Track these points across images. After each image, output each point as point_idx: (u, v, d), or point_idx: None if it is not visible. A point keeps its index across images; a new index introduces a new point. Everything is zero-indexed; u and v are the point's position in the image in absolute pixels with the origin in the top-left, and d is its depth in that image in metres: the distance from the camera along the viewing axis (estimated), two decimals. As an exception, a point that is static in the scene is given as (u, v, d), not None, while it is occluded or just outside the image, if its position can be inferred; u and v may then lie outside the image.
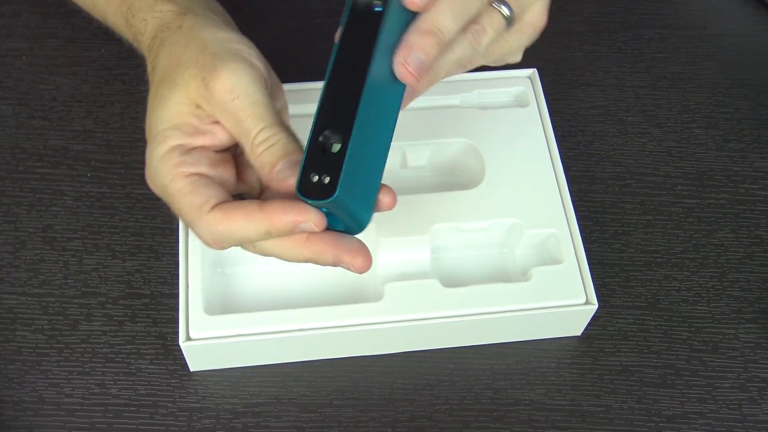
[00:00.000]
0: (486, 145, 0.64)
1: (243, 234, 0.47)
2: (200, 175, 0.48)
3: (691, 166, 0.70)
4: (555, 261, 0.60)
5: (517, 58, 0.54)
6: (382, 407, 0.58)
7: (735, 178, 0.69)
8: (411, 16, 0.46)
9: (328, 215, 0.46)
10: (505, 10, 0.48)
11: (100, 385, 0.58)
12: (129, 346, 0.59)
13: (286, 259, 0.48)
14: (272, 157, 0.46)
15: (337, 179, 0.44)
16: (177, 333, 0.58)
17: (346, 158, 0.44)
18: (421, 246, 0.60)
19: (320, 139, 0.45)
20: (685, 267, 0.65)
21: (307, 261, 0.48)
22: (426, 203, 0.61)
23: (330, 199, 0.44)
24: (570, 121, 0.71)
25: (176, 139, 0.48)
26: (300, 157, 0.46)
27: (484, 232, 0.62)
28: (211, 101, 0.47)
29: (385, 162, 0.48)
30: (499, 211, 0.61)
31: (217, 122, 0.49)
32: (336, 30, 0.46)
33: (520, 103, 0.67)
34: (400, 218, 0.60)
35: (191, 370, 0.59)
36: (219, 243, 0.48)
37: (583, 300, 0.59)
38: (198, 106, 0.48)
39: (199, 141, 0.49)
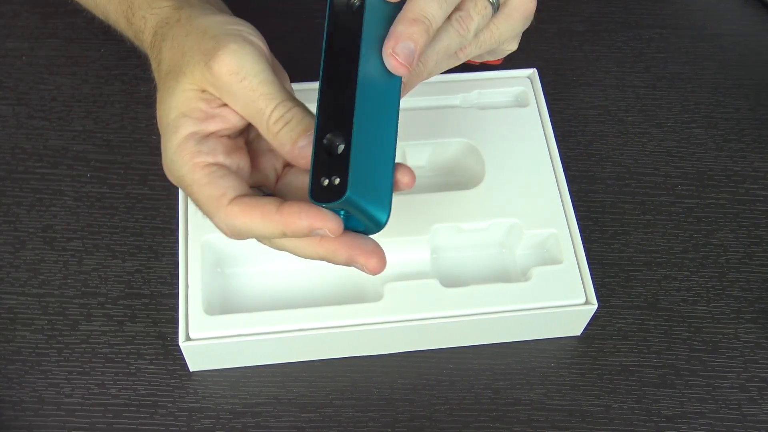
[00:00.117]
0: (486, 145, 0.64)
1: (259, 231, 0.47)
2: (217, 165, 0.48)
3: (691, 166, 0.70)
4: (555, 261, 0.60)
5: (513, 46, 0.54)
6: (382, 407, 0.58)
7: (735, 178, 0.69)
8: (394, 9, 0.46)
9: (346, 217, 0.46)
10: None
11: (100, 385, 0.58)
12: (129, 346, 0.59)
13: (299, 256, 0.48)
14: (292, 133, 0.46)
15: (346, 179, 0.44)
16: (177, 333, 0.58)
17: (351, 157, 0.44)
18: (420, 246, 0.60)
19: (324, 142, 0.45)
20: (684, 267, 0.65)
21: (320, 259, 0.48)
22: (426, 203, 0.61)
23: (341, 200, 0.44)
24: (570, 121, 0.71)
25: (188, 127, 0.48)
26: None
27: (484, 232, 0.62)
28: (217, 85, 0.47)
29: (394, 159, 0.47)
30: (498, 211, 0.61)
31: (225, 105, 0.48)
32: (323, 33, 0.46)
33: (520, 103, 0.67)
34: (400, 218, 0.60)
35: (191, 370, 0.59)
36: (236, 235, 0.48)
37: (583, 300, 0.59)
38: (204, 91, 0.48)
39: (211, 126, 0.48)
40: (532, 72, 0.67)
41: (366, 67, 0.45)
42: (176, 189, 0.61)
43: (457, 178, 0.65)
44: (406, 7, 0.45)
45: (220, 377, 0.59)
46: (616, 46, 0.76)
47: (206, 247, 0.58)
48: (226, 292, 0.60)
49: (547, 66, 0.73)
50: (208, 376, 0.59)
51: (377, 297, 0.58)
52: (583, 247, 0.60)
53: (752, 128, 0.72)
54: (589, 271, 0.59)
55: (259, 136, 0.52)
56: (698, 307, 0.64)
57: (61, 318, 0.60)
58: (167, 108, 0.49)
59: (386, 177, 0.47)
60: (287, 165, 0.52)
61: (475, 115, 0.65)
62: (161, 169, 0.50)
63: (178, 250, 0.59)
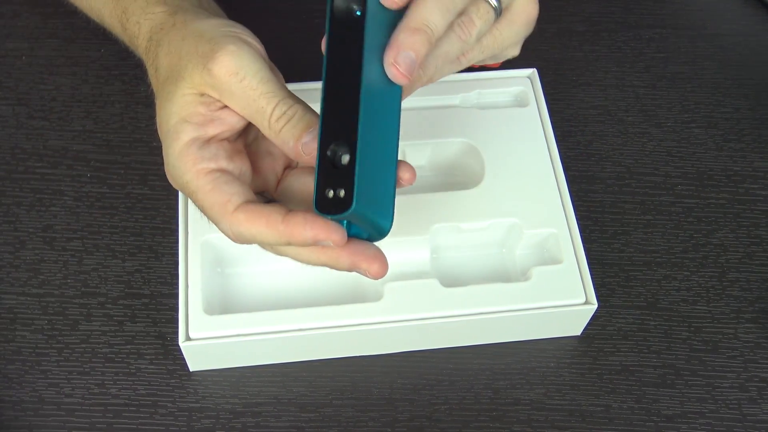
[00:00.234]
0: (486, 145, 0.64)
1: (264, 239, 0.47)
2: (221, 170, 0.48)
3: (690, 166, 0.70)
4: (555, 261, 0.60)
5: (515, 51, 0.53)
6: (382, 407, 0.58)
7: (735, 177, 0.69)
8: (395, 16, 0.45)
9: (349, 225, 0.46)
10: (492, 0, 0.48)
11: (100, 385, 0.58)
12: (129, 346, 0.59)
13: (302, 262, 0.48)
14: (294, 130, 0.47)
15: (351, 192, 0.44)
16: (177, 333, 0.58)
17: (357, 169, 0.44)
18: (420, 246, 0.60)
19: (328, 153, 0.45)
20: (684, 267, 0.65)
21: (323, 265, 0.48)
22: (426, 203, 0.61)
23: (348, 212, 0.44)
24: (570, 120, 0.71)
25: (189, 133, 0.48)
26: None
27: (484, 232, 0.62)
28: (217, 87, 0.47)
29: (396, 165, 0.48)
30: (498, 210, 0.61)
31: (224, 107, 0.49)
32: (323, 39, 0.46)
33: (520, 102, 0.67)
34: (399, 218, 0.60)
35: (191, 370, 0.59)
36: (241, 241, 0.48)
37: (583, 300, 0.59)
38: (203, 94, 0.48)
39: (211, 130, 0.48)
40: (531, 72, 0.67)
41: (368, 76, 0.44)
42: (176, 189, 0.61)
43: (457, 178, 0.65)
44: (407, 14, 0.45)
45: (220, 377, 0.59)
46: (615, 46, 0.76)
47: (206, 247, 0.58)
48: (225, 292, 0.60)
49: (547, 66, 0.73)
50: (208, 376, 0.59)
51: (377, 297, 0.58)
52: (583, 246, 0.60)
53: (752, 128, 0.72)
54: (589, 270, 0.59)
55: (257, 138, 0.52)
56: (698, 307, 0.64)
57: (61, 318, 0.60)
58: (167, 114, 0.49)
59: (389, 185, 0.47)
60: (287, 168, 0.52)
61: (475, 115, 0.65)
62: (161, 169, 0.50)
63: (178, 250, 0.59)
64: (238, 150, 0.50)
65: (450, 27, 0.47)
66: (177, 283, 0.59)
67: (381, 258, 0.47)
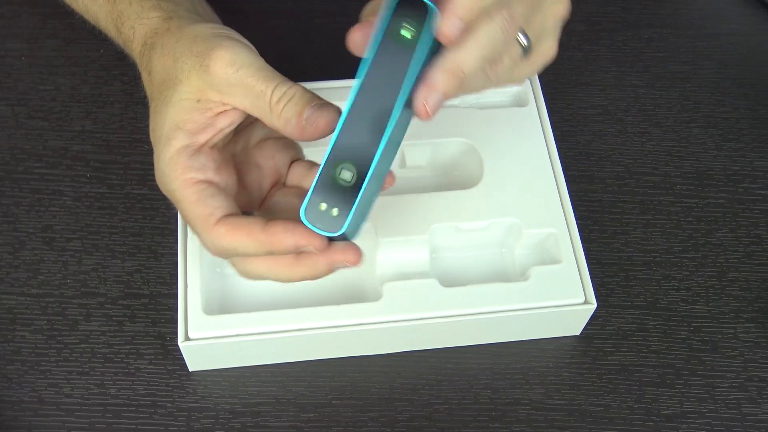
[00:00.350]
0: (485, 145, 0.64)
1: (245, 250, 0.47)
2: (207, 182, 0.48)
3: (690, 166, 0.70)
4: (554, 261, 0.60)
5: (521, 84, 0.54)
6: (381, 407, 0.58)
7: (734, 177, 0.69)
8: (437, 45, 0.45)
9: None
10: (523, 40, 0.48)
11: (100, 385, 0.58)
12: (128, 346, 0.59)
13: (282, 281, 0.49)
14: (296, 107, 0.47)
15: (346, 215, 0.44)
16: (176, 333, 0.58)
17: (360, 195, 0.44)
18: (419, 246, 0.60)
19: (335, 166, 0.45)
20: (684, 266, 0.65)
21: (301, 279, 0.48)
22: (425, 203, 0.61)
23: (337, 234, 0.45)
24: (569, 120, 0.71)
25: (181, 140, 0.48)
26: (320, 102, 0.46)
27: (483, 232, 0.62)
28: (214, 83, 0.47)
29: (383, 182, 0.48)
30: (498, 210, 0.61)
31: (219, 114, 0.49)
32: (349, 38, 0.46)
33: (519, 102, 0.67)
34: (398, 218, 0.60)
35: (190, 370, 0.59)
36: (220, 254, 0.49)
37: (582, 299, 0.59)
38: (199, 100, 0.48)
39: (202, 137, 0.49)
40: (531, 72, 0.67)
41: (400, 104, 0.44)
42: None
43: (456, 178, 0.65)
44: (447, 55, 0.45)
45: (220, 377, 0.59)
46: (615, 46, 0.76)
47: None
48: (225, 292, 0.60)
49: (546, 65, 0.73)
50: (208, 376, 0.59)
51: (376, 297, 0.58)
52: (582, 246, 0.60)
53: (751, 128, 0.72)
54: (588, 270, 0.59)
55: (246, 149, 0.52)
56: (697, 307, 0.64)
57: (61, 318, 0.60)
58: (162, 119, 0.49)
59: (372, 202, 0.48)
60: (274, 186, 0.52)
61: (474, 114, 0.65)
62: (160, 170, 0.50)
63: (177, 250, 0.59)
64: (226, 161, 0.50)
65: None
66: (176, 283, 0.59)
67: (352, 246, 0.47)
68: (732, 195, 0.69)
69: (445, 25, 0.43)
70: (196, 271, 0.57)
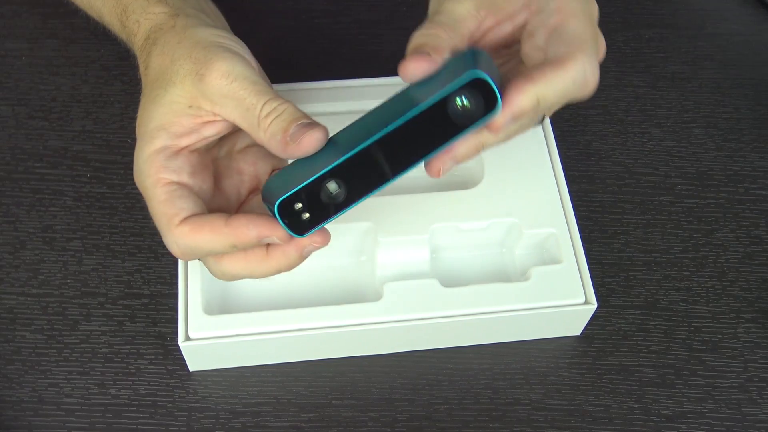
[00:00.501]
0: (485, 145, 0.64)
1: (209, 247, 0.47)
2: (180, 184, 0.49)
3: (690, 166, 0.70)
4: (554, 261, 0.60)
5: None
6: (382, 407, 0.58)
7: (734, 177, 0.69)
8: (475, 123, 0.45)
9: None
10: (540, 118, 0.51)
11: (100, 385, 0.58)
12: (128, 346, 0.59)
13: (257, 277, 0.49)
14: (283, 123, 0.46)
15: (315, 225, 0.46)
16: (176, 333, 0.58)
17: (337, 215, 0.46)
18: (420, 246, 0.60)
19: (329, 179, 0.45)
20: (684, 267, 0.65)
21: (276, 272, 0.49)
22: (425, 203, 0.61)
23: (297, 236, 0.46)
24: (569, 120, 0.71)
25: (162, 140, 0.49)
26: (308, 121, 0.46)
27: (484, 232, 0.62)
28: (207, 92, 0.48)
29: None
30: (498, 210, 0.61)
31: (208, 122, 0.49)
32: (407, 67, 0.45)
33: (520, 102, 0.67)
34: (399, 218, 0.60)
35: (190, 370, 0.59)
36: (185, 255, 0.49)
37: (583, 300, 0.59)
38: (191, 106, 0.48)
39: (185, 141, 0.49)
40: (531, 72, 0.67)
41: (420, 162, 0.46)
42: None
43: (456, 178, 0.65)
44: (478, 134, 0.46)
45: (220, 377, 0.59)
46: (615, 46, 0.76)
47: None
48: (225, 292, 0.60)
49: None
50: (208, 375, 0.59)
51: (376, 297, 0.58)
52: (583, 246, 0.60)
53: (752, 128, 0.72)
54: (589, 270, 0.59)
55: (230, 155, 0.52)
56: (698, 307, 0.64)
57: (61, 318, 0.60)
58: (148, 116, 0.49)
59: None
60: (252, 192, 0.52)
61: (474, 114, 0.65)
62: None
63: (177, 250, 0.59)
64: (205, 165, 0.51)
65: None
66: (176, 283, 0.59)
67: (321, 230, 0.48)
68: (732, 195, 0.69)
69: (501, 119, 0.45)
70: (197, 271, 0.57)
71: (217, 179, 0.52)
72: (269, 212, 0.47)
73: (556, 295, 0.58)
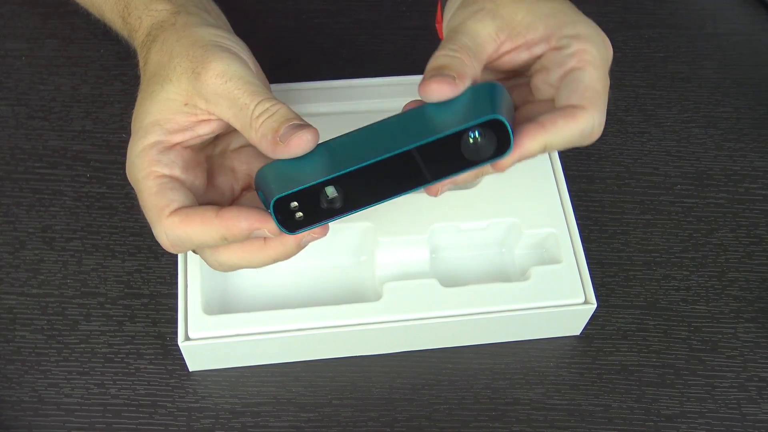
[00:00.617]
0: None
1: (199, 239, 0.47)
2: (171, 177, 0.49)
3: (690, 166, 0.70)
4: (554, 260, 0.60)
5: None
6: (381, 407, 0.58)
7: (734, 177, 0.69)
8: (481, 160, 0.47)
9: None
10: None
11: (100, 385, 0.58)
12: (128, 346, 0.59)
13: (254, 266, 0.49)
14: (275, 123, 0.46)
15: (306, 226, 0.46)
16: (176, 333, 0.58)
17: (329, 221, 0.46)
18: (419, 245, 0.60)
19: (330, 186, 0.45)
20: (684, 266, 0.65)
21: (275, 261, 0.49)
22: (425, 203, 0.61)
23: (287, 233, 0.46)
24: (569, 120, 0.71)
25: (156, 135, 0.49)
26: (300, 123, 0.46)
27: (483, 232, 0.62)
28: (203, 91, 0.48)
29: None
30: (498, 210, 0.61)
31: (203, 121, 0.49)
32: (428, 88, 0.46)
33: (519, 102, 0.67)
34: (398, 218, 0.60)
35: (190, 370, 0.59)
36: (175, 246, 0.49)
37: (582, 299, 0.59)
38: (186, 104, 0.49)
39: (178, 137, 0.49)
40: (531, 72, 0.67)
41: (424, 184, 0.47)
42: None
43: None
44: (480, 166, 0.47)
45: (220, 377, 0.59)
46: (615, 46, 0.75)
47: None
48: (225, 292, 0.60)
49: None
50: (208, 375, 0.59)
51: (376, 297, 0.58)
52: (582, 246, 0.60)
53: (751, 128, 0.72)
54: (588, 270, 0.59)
55: (224, 153, 0.52)
56: (698, 307, 0.64)
57: (61, 318, 0.60)
58: (144, 111, 0.49)
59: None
60: (245, 190, 0.52)
61: (474, 114, 0.65)
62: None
63: (177, 250, 0.59)
64: (198, 162, 0.51)
65: None
66: (176, 283, 0.59)
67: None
68: (732, 195, 0.69)
69: (509, 161, 0.47)
70: (196, 271, 0.57)
71: (210, 176, 0.52)
72: (262, 205, 0.47)
73: (556, 294, 0.58)
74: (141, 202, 0.49)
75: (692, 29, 0.77)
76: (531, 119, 0.47)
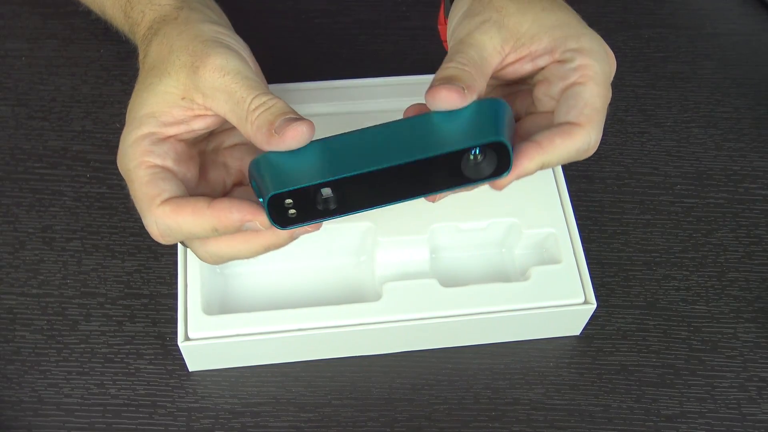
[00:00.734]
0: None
1: (190, 229, 0.47)
2: (163, 168, 0.49)
3: (690, 166, 0.70)
4: (554, 260, 0.60)
5: None
6: (381, 407, 0.58)
7: (734, 177, 0.69)
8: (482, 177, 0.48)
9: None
10: None
11: (99, 385, 0.58)
12: (128, 346, 0.60)
13: (243, 257, 0.49)
14: (270, 116, 0.47)
15: (298, 223, 0.46)
16: (176, 333, 0.58)
17: (320, 221, 0.46)
18: (419, 245, 0.60)
19: (323, 190, 0.46)
20: (684, 266, 0.65)
21: (267, 250, 0.49)
22: (425, 203, 0.61)
23: (279, 228, 0.46)
24: (569, 120, 0.71)
25: (150, 127, 0.49)
26: (295, 116, 0.46)
27: (483, 232, 0.62)
28: (200, 85, 0.48)
29: None
30: (497, 210, 0.61)
31: (199, 116, 0.49)
32: (436, 95, 0.46)
33: (519, 102, 0.67)
34: (398, 218, 0.60)
35: (190, 370, 0.59)
36: (165, 236, 0.49)
37: (582, 299, 0.59)
38: (184, 98, 0.49)
39: (172, 130, 0.49)
40: (531, 72, 0.67)
41: (421, 195, 0.48)
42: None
43: (456, 178, 0.65)
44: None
45: (219, 377, 0.59)
46: (615, 46, 0.75)
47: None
48: (224, 292, 0.60)
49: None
50: (207, 376, 0.59)
51: (376, 297, 0.58)
52: (582, 246, 0.60)
53: (751, 127, 0.72)
54: (588, 270, 0.59)
55: (216, 149, 0.53)
56: (697, 307, 0.64)
57: (61, 318, 0.60)
58: (140, 103, 0.49)
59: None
60: (237, 185, 0.52)
61: (474, 114, 0.65)
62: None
63: (176, 250, 0.59)
64: (191, 156, 0.51)
65: None
66: (176, 283, 0.59)
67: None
68: (732, 195, 0.69)
69: (506, 181, 0.47)
70: (196, 271, 0.57)
71: (202, 170, 0.52)
72: (254, 196, 0.47)
73: (556, 294, 0.58)
74: (132, 192, 0.49)
75: (692, 29, 0.77)
76: (529, 139, 0.48)
